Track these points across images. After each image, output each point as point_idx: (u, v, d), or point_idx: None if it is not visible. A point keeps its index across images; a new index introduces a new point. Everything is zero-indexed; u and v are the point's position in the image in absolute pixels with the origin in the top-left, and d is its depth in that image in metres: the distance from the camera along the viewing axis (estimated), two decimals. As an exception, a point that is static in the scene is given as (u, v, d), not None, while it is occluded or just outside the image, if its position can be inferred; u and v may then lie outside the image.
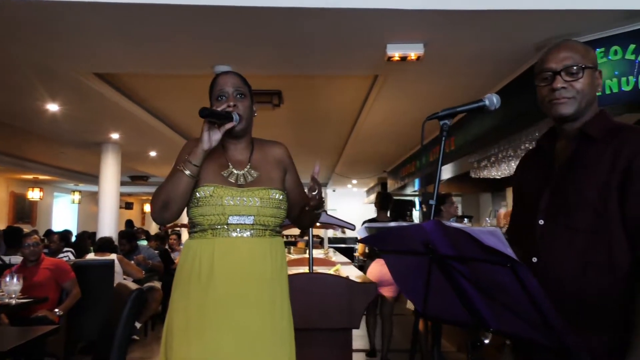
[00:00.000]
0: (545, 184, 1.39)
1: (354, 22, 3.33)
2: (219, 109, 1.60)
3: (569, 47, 1.39)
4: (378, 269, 4.42)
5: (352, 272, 3.87)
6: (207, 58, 4.03)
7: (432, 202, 1.42)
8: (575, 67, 1.35)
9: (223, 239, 1.59)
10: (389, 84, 4.80)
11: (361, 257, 5.79)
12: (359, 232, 1.37)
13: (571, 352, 1.06)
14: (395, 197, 12.47)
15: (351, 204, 16.32)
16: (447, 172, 7.70)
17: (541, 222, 1.37)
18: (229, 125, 1.60)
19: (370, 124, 6.62)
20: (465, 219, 7.95)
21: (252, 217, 1.60)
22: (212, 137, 1.59)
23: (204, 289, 1.55)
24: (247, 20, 3.30)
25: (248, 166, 1.70)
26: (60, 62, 4.16)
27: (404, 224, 1.25)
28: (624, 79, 3.21)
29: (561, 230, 1.32)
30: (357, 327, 2.93)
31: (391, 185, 11.31)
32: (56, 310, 4.03)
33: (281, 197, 1.67)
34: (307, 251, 3.54)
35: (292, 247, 7.68)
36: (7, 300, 3.51)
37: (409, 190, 10.55)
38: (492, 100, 1.39)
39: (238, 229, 1.60)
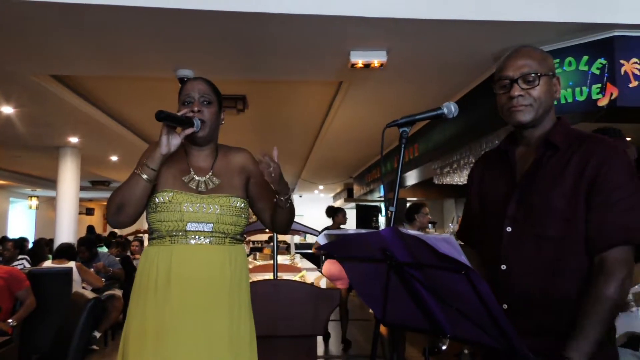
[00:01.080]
0: (511, 190, 1.40)
1: (317, 29, 3.35)
2: (179, 113, 1.57)
3: (526, 54, 1.41)
4: (329, 268, 5.24)
5: (316, 278, 3.86)
6: (169, 61, 3.97)
7: (391, 209, 1.43)
8: (532, 75, 1.37)
9: (181, 246, 1.57)
10: (353, 90, 4.84)
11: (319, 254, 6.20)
12: (319, 239, 1.37)
13: (520, 355, 1.08)
14: (360, 204, 12.52)
15: (318, 210, 16.32)
16: (412, 178, 7.81)
17: (509, 229, 1.37)
18: (189, 131, 1.57)
19: (336, 130, 6.66)
20: (430, 225, 8.07)
21: (212, 224, 1.57)
22: (171, 142, 1.56)
23: (161, 296, 1.52)
24: (210, 24, 3.27)
25: (210, 173, 1.67)
26: (15, 63, 4.02)
27: (363, 230, 1.25)
28: (577, 89, 3.33)
29: (530, 238, 1.33)
30: (321, 334, 2.93)
31: (357, 191, 11.39)
32: (9, 320, 3.87)
33: (242, 205, 1.64)
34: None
35: (257, 253, 7.63)
36: (-45, 311, 3.35)
37: (375, 196, 10.65)
38: (450, 108, 1.41)
39: (197, 236, 1.57)
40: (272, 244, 4.09)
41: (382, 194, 10.20)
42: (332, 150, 8.28)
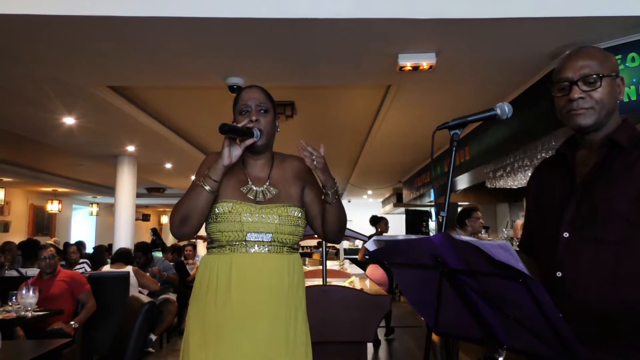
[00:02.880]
0: (569, 194, 1.34)
1: (365, 33, 3.32)
2: (239, 124, 1.59)
3: (587, 54, 1.34)
4: (372, 272, 5.62)
5: (366, 285, 3.82)
6: (219, 70, 4.05)
7: (443, 214, 1.39)
8: (593, 76, 1.31)
9: (241, 255, 1.60)
10: (401, 93, 4.78)
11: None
12: (367, 245, 1.34)
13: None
14: (410, 209, 12.35)
15: (367, 215, 16.20)
16: (463, 182, 7.62)
17: (566, 234, 1.31)
18: (249, 142, 1.60)
19: (384, 134, 6.60)
20: (483, 230, 7.82)
21: (271, 234, 1.60)
22: (233, 153, 1.59)
23: (221, 301, 1.55)
24: (257, 31, 3.31)
25: (267, 183, 1.69)
26: (75, 75, 4.22)
27: (413, 236, 1.22)
28: (642, 86, 3.14)
29: (589, 242, 1.27)
30: (371, 341, 2.89)
31: (407, 196, 11.23)
32: (72, 322, 4.05)
33: (299, 214, 1.66)
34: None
35: (307, 259, 7.65)
36: (23, 313, 3.53)
37: (425, 201, 10.46)
38: (504, 109, 1.37)
39: (256, 245, 1.60)
40: (321, 249, 4.10)
41: (432, 198, 10.01)
42: (381, 155, 8.21)
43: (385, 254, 1.34)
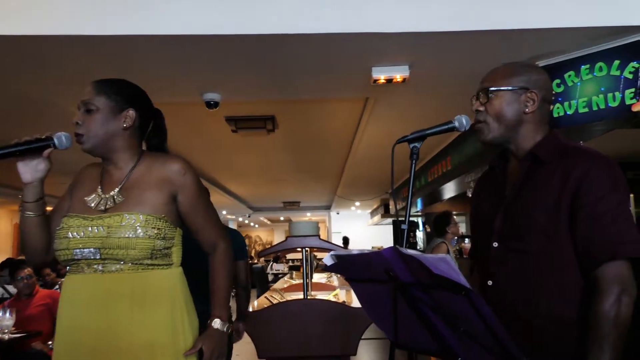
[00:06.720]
0: (499, 206, 1.38)
1: (337, 47, 3.35)
2: (24, 139, 1.41)
3: (496, 70, 1.41)
4: None
5: (350, 297, 3.82)
6: (195, 86, 4.05)
7: (404, 226, 1.41)
8: (482, 91, 1.37)
9: (74, 277, 1.41)
10: (379, 105, 4.81)
11: None
12: (325, 260, 1.35)
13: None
14: (396, 219, 12.33)
15: (356, 226, 16.25)
16: (449, 190, 7.68)
17: (495, 244, 1.35)
18: (47, 151, 1.44)
19: (366, 145, 6.63)
20: (467, 239, 7.87)
21: (98, 250, 1.36)
22: (37, 167, 1.44)
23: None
24: (231, 47, 3.33)
25: (117, 189, 1.47)
26: (53, 93, 4.20)
27: (366, 251, 1.23)
28: (610, 95, 3.19)
29: (514, 253, 1.31)
30: (354, 354, 2.88)
31: (394, 206, 11.27)
32: (49, 342, 3.98)
33: (141, 222, 1.38)
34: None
35: (294, 272, 7.64)
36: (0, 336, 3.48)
37: (412, 211, 10.50)
38: (462, 121, 1.39)
39: (88, 265, 1.38)
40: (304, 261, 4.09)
41: (419, 208, 10.06)
42: (365, 166, 8.24)
43: (342, 268, 1.34)
